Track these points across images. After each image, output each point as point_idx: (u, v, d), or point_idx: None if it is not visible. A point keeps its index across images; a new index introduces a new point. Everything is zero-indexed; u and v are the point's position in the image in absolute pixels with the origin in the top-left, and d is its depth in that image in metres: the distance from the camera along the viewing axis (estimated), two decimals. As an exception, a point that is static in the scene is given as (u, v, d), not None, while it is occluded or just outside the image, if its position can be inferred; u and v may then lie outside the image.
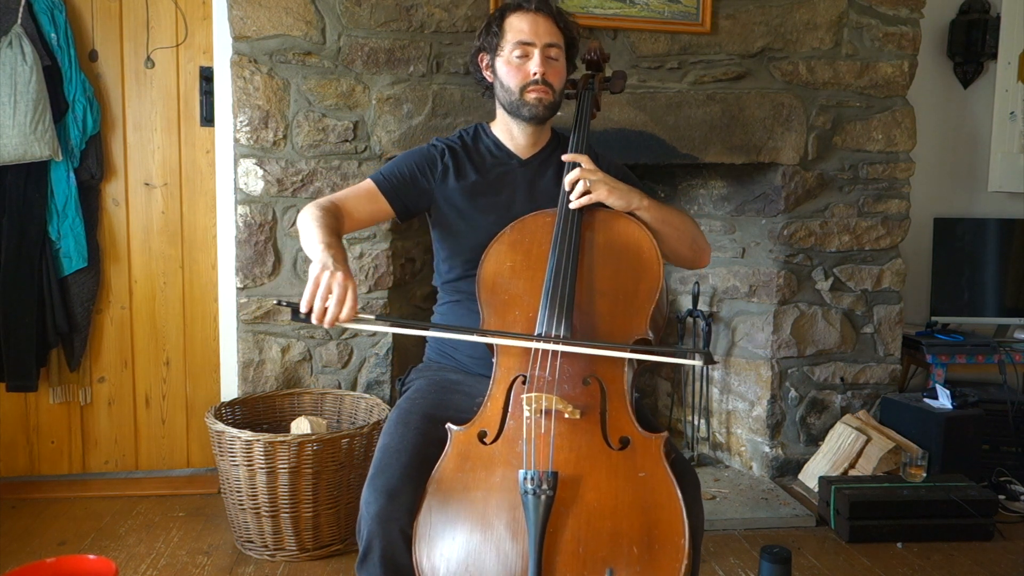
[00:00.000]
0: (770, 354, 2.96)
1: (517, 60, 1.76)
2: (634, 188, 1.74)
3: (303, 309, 1.43)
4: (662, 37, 2.74)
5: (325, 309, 1.42)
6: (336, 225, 1.65)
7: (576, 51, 1.87)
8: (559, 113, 1.85)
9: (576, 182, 1.68)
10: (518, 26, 1.76)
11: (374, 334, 2.72)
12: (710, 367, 3.16)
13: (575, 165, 1.71)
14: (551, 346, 1.50)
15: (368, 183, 1.80)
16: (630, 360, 1.54)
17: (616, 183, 1.71)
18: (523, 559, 1.33)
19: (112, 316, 2.91)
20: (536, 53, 1.75)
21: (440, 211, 1.83)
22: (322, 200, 1.72)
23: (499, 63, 1.79)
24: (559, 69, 1.80)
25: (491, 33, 1.80)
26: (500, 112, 1.86)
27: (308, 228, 1.62)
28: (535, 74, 1.74)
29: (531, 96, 1.76)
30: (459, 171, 1.83)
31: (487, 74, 1.85)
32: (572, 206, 1.67)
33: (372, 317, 1.53)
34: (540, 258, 1.63)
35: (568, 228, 1.63)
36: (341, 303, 1.42)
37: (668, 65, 2.76)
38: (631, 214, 1.72)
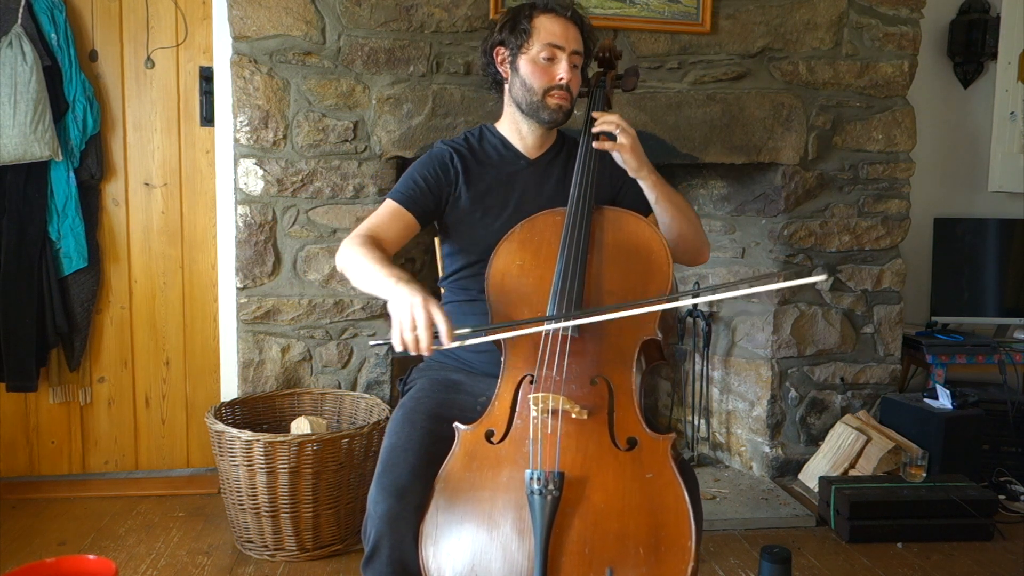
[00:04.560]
0: (770, 354, 2.96)
1: (544, 62, 1.74)
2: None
3: (397, 348, 1.40)
4: (662, 37, 2.74)
5: (417, 339, 1.39)
6: (384, 256, 1.62)
7: (590, 61, 1.87)
8: (575, 112, 1.85)
9: (608, 121, 1.69)
10: (550, 28, 1.74)
11: (374, 333, 2.72)
12: (710, 368, 3.16)
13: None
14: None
15: (391, 204, 1.77)
16: (638, 360, 1.54)
17: (640, 147, 1.71)
18: (529, 559, 1.33)
19: (112, 316, 2.91)
20: (564, 58, 1.74)
21: (452, 214, 1.82)
22: (358, 234, 1.68)
23: (523, 61, 1.76)
24: (578, 78, 1.80)
25: (517, 30, 1.76)
26: (511, 110, 1.84)
27: (361, 266, 1.58)
28: (561, 79, 1.74)
29: (553, 101, 1.76)
30: (468, 174, 1.81)
31: (502, 68, 1.82)
32: (595, 145, 1.68)
33: (468, 331, 1.47)
34: (549, 257, 1.62)
35: (578, 227, 1.63)
36: (429, 329, 1.38)
37: (668, 65, 2.76)
38: (641, 210, 1.73)
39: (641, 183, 1.73)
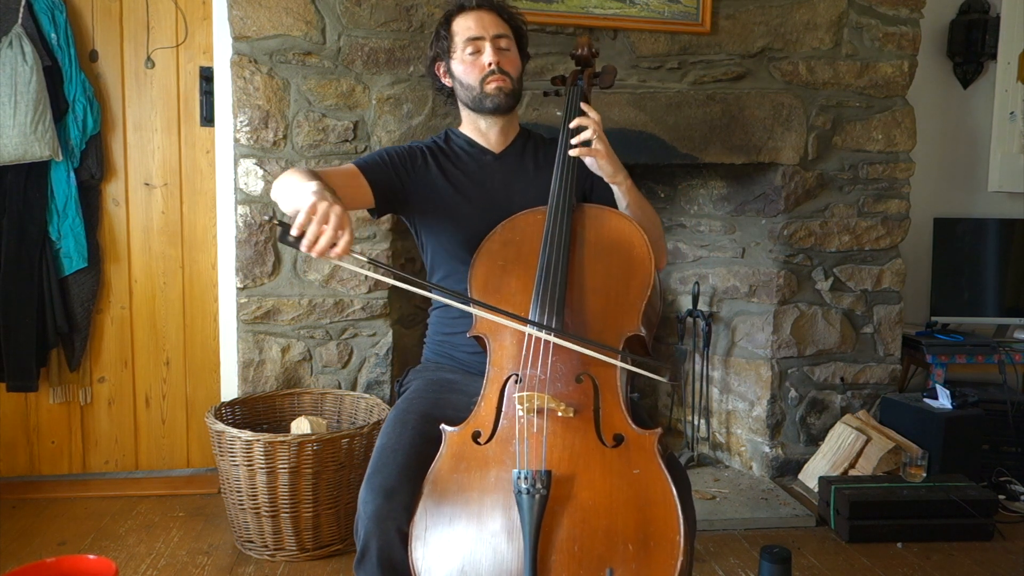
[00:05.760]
0: (770, 354, 2.96)
1: (470, 57, 1.79)
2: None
3: (295, 232, 1.35)
4: (662, 37, 2.74)
5: (318, 238, 1.36)
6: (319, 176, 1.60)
7: (526, 42, 1.90)
8: (557, 113, 1.84)
9: (584, 129, 1.69)
10: (464, 24, 1.81)
11: (374, 333, 2.72)
12: (709, 368, 3.16)
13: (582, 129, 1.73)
14: (543, 335, 1.51)
15: (349, 165, 1.80)
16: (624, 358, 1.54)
17: (614, 154, 1.72)
18: (519, 559, 1.33)
19: (112, 316, 2.91)
20: (487, 46, 1.78)
21: (421, 209, 1.84)
22: (300, 168, 1.69)
23: (454, 65, 1.82)
24: (513, 58, 1.83)
25: (440, 39, 1.84)
26: (465, 113, 1.89)
27: (290, 181, 1.58)
28: (490, 64, 1.78)
29: (491, 87, 1.79)
30: (439, 167, 1.85)
31: (446, 80, 1.88)
32: (571, 153, 1.69)
33: (364, 259, 1.45)
34: (531, 256, 1.63)
35: (559, 225, 1.63)
36: (336, 232, 1.36)
37: (668, 65, 2.76)
38: (609, 206, 1.73)
39: (615, 189, 1.74)
